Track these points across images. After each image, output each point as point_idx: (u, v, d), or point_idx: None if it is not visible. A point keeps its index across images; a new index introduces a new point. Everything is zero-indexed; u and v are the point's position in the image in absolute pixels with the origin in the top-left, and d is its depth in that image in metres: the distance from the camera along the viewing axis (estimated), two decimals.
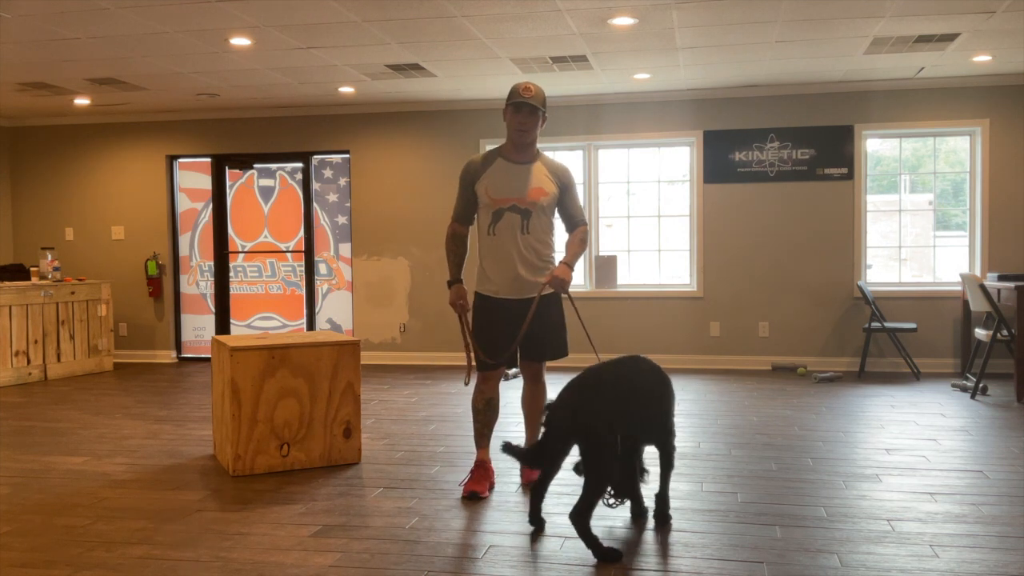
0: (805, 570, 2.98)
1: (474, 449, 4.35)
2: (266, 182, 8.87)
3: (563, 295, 4.02)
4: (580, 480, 4.16)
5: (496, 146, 4.06)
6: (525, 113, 3.85)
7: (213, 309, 8.95)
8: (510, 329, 3.93)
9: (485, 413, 4.04)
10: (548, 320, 3.98)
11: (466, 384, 4.15)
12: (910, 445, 4.80)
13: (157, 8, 5.09)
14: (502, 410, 5.84)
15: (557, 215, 4.10)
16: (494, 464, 4.35)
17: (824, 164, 7.69)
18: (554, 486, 4.05)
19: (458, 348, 8.28)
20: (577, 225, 4.04)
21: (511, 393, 6.46)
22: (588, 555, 3.14)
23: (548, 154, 4.09)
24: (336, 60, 6.45)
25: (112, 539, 3.39)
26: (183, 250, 9.00)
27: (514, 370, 7.21)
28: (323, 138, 8.56)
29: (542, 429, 3.30)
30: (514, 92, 3.86)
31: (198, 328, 9.02)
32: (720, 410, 5.87)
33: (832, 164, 7.68)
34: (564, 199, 4.01)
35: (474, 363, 3.99)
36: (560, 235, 4.09)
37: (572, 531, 3.40)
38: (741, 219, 7.85)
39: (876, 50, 6.32)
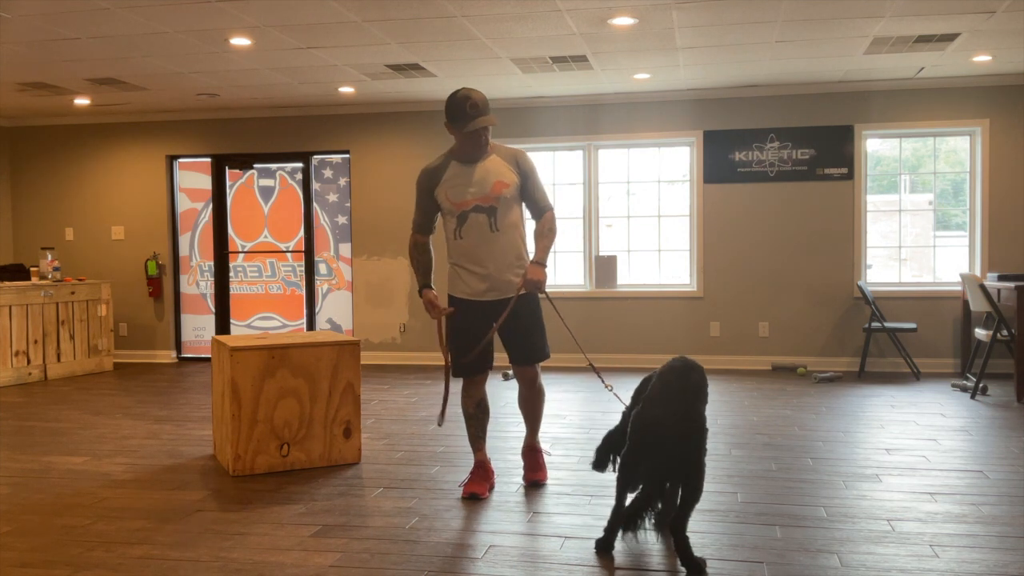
0: (805, 570, 2.98)
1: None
2: (266, 182, 8.87)
3: (541, 296, 3.92)
4: (580, 480, 4.16)
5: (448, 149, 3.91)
6: (481, 132, 3.73)
7: (213, 309, 8.95)
8: (487, 330, 3.86)
9: (477, 416, 4.00)
10: (527, 322, 3.86)
11: (439, 425, 4.03)
12: (910, 445, 4.80)
13: (157, 8, 5.09)
14: (500, 412, 5.84)
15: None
16: (494, 464, 4.35)
17: (824, 164, 7.69)
18: (553, 485, 4.05)
19: None
20: (543, 212, 3.89)
21: (509, 394, 6.46)
22: (588, 555, 3.14)
23: (499, 142, 3.91)
24: (336, 60, 6.46)
25: (112, 539, 3.39)
26: (183, 250, 9.00)
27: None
28: (323, 138, 8.56)
29: (627, 444, 3.13)
30: (463, 115, 3.68)
31: (198, 328, 9.02)
32: (720, 410, 5.87)
33: (832, 164, 7.68)
34: (526, 186, 3.85)
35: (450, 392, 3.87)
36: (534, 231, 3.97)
37: (572, 531, 3.40)
38: (741, 219, 7.85)
39: (876, 50, 6.32)
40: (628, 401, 3.68)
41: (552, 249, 3.91)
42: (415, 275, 3.96)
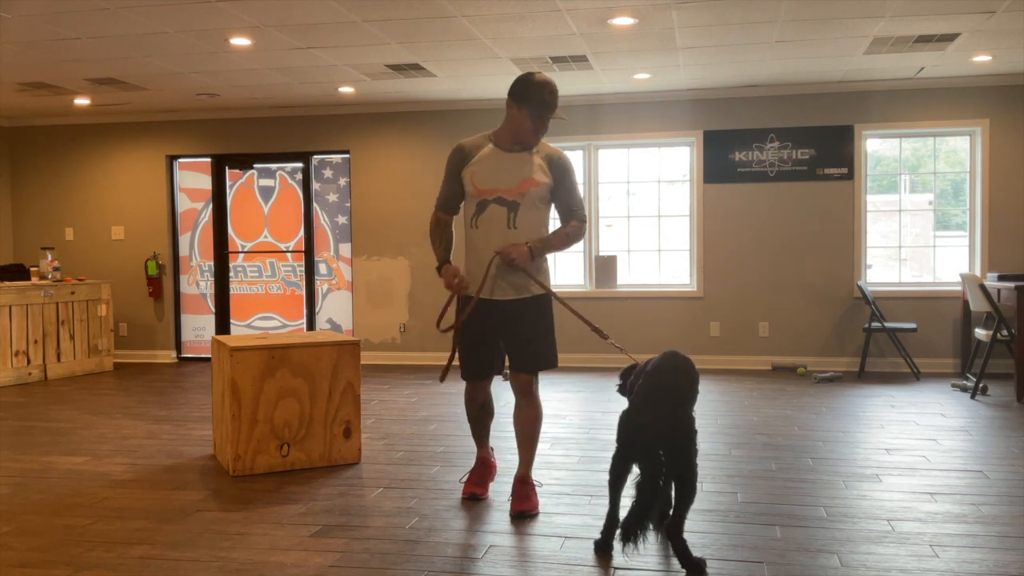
0: (805, 570, 2.98)
1: (474, 448, 4.26)
2: (266, 182, 8.87)
3: (529, 277, 3.64)
4: (580, 480, 4.16)
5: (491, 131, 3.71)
6: (547, 120, 3.55)
7: (213, 309, 8.95)
8: (494, 334, 3.68)
9: (480, 419, 3.94)
10: (531, 329, 3.63)
11: (441, 380, 3.84)
12: (910, 445, 4.80)
13: (157, 8, 5.09)
14: (502, 412, 5.83)
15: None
16: (497, 459, 4.33)
17: (824, 164, 7.69)
18: (553, 485, 4.04)
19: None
20: (571, 219, 3.65)
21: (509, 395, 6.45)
22: (588, 555, 3.14)
23: (547, 141, 3.73)
24: (336, 60, 6.45)
25: (112, 539, 3.39)
26: (183, 250, 9.00)
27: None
28: (323, 138, 8.56)
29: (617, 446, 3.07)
30: (542, 101, 3.49)
31: (198, 328, 9.02)
32: (720, 410, 5.87)
33: (832, 164, 7.68)
34: (559, 191, 3.62)
35: (456, 361, 3.73)
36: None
37: (572, 531, 3.40)
38: (741, 219, 7.85)
39: (876, 50, 6.32)
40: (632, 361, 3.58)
41: (555, 251, 3.73)
42: (434, 251, 3.73)
